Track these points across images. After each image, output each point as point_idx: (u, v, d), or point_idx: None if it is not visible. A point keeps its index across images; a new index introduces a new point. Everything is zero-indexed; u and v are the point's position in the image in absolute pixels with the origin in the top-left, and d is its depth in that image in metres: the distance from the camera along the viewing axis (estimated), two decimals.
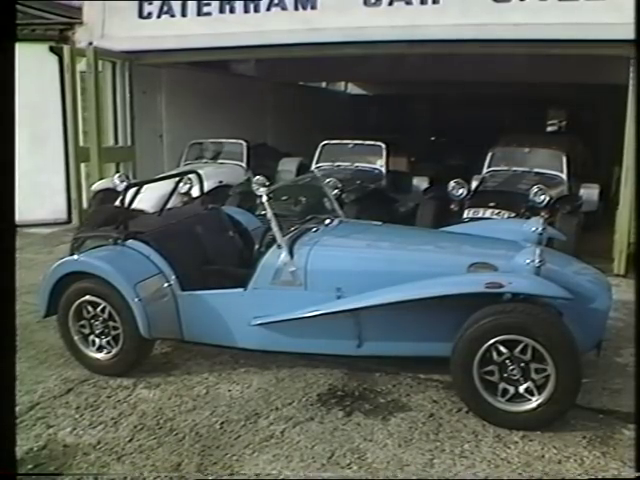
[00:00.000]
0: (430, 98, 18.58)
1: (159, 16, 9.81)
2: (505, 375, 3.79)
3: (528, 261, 4.01)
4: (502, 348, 3.77)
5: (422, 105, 19.16)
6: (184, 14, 9.67)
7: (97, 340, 4.65)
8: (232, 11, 9.40)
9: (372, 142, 9.97)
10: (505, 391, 3.81)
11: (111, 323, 4.57)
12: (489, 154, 9.24)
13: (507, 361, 3.78)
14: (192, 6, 9.60)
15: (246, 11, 9.32)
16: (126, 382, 4.55)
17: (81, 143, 9.90)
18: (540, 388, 3.74)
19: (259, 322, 4.39)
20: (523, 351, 3.74)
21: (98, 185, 9.41)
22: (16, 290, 2.13)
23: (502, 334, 3.75)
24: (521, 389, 3.78)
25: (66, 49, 9.75)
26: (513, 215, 7.41)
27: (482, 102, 16.24)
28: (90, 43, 9.90)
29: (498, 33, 8.02)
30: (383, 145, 9.86)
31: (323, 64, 13.16)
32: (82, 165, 9.94)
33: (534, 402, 3.76)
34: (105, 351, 4.64)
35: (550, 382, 3.69)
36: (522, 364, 3.76)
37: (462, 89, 16.04)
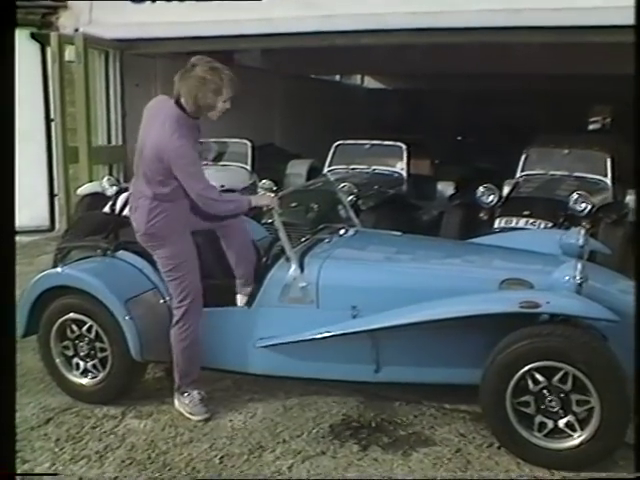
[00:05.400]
0: (457, 93, 18.61)
1: (154, 0, 9.87)
2: (542, 407, 3.75)
3: (568, 277, 3.98)
4: (538, 376, 3.73)
5: (447, 101, 19.19)
6: None
7: (82, 363, 4.64)
8: None
9: (391, 142, 9.96)
10: (542, 425, 3.77)
11: (98, 344, 4.56)
12: (523, 156, 9.20)
13: (544, 391, 3.74)
14: None
15: None
16: (114, 411, 4.53)
17: (68, 142, 9.97)
18: (583, 422, 3.69)
19: (265, 344, 4.38)
20: (563, 380, 3.70)
21: (85, 189, 9.44)
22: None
23: (538, 360, 3.71)
24: (561, 423, 3.74)
25: (53, 36, 9.81)
26: (550, 225, 7.36)
27: (515, 97, 16.26)
28: (76, 29, 9.96)
29: (534, 19, 8.02)
30: (404, 146, 9.85)
31: (337, 55, 13.19)
32: (69, 167, 10.02)
33: (576, 438, 3.71)
34: (91, 375, 4.63)
35: (594, 416, 3.64)
36: (561, 394, 3.71)
37: (493, 82, 16.04)
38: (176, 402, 4.47)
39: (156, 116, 4.19)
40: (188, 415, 4.40)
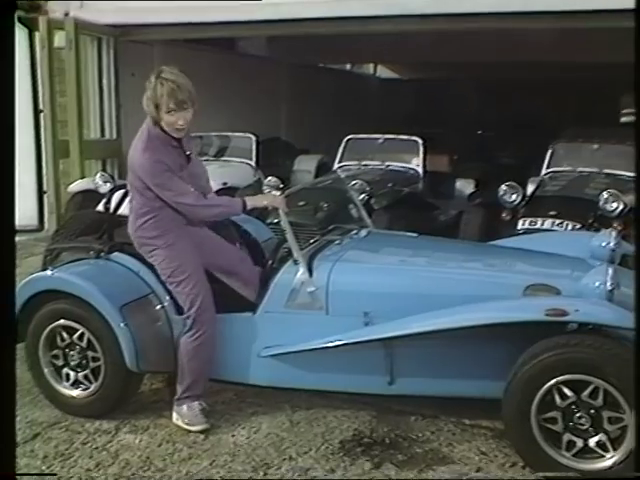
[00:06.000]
0: (476, 83, 18.59)
1: None
2: (571, 424, 3.72)
3: (598, 283, 3.97)
4: (566, 390, 3.70)
5: (466, 91, 19.20)
6: None
7: (72, 374, 4.64)
8: None
9: (406, 137, 9.97)
10: (571, 444, 3.74)
11: (90, 353, 4.55)
12: (549, 151, 9.17)
13: (573, 407, 3.71)
14: None
15: None
16: (106, 425, 4.53)
17: (59, 135, 10.00)
18: (615, 442, 3.65)
19: (271, 353, 4.38)
20: (593, 395, 3.67)
21: (76, 185, 9.47)
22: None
23: (566, 373, 3.69)
24: (591, 442, 3.70)
25: (42, 20, 9.83)
26: (579, 226, 7.34)
27: (540, 87, 16.22)
28: (67, 14, 9.97)
29: (563, 3, 7.97)
30: (420, 140, 9.85)
31: (347, 43, 13.21)
32: (59, 162, 10.05)
33: (608, 459, 3.67)
34: (82, 387, 4.62)
35: (628, 435, 3.61)
36: (592, 411, 3.68)
37: (516, 72, 16.02)
38: (174, 415, 4.47)
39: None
40: (185, 426, 4.40)
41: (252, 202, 4.44)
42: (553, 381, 3.70)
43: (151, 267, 4.50)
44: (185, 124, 4.19)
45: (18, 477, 3.74)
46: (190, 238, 4.39)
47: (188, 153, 4.37)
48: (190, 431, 4.39)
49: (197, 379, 4.40)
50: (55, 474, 3.89)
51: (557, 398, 3.73)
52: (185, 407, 4.41)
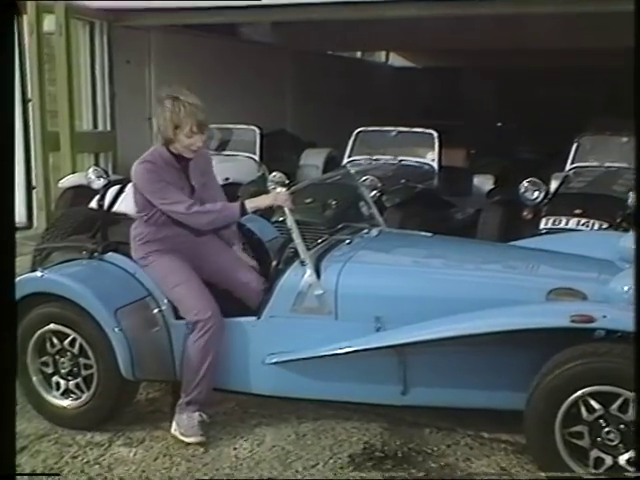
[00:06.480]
0: (496, 72, 18.55)
1: None
2: (598, 439, 3.70)
3: (627, 288, 3.94)
4: (593, 403, 3.69)
5: (485, 81, 19.17)
6: None
7: (63, 382, 4.64)
8: None
9: (421, 129, 9.98)
10: (599, 461, 3.71)
11: (82, 360, 4.55)
12: (574, 145, 9.16)
13: (601, 420, 3.70)
14: None
15: None
16: (99, 437, 4.53)
17: (48, 127, 10.01)
18: None
19: (275, 360, 4.37)
20: (622, 408, 3.65)
21: (67, 181, 9.50)
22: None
23: (593, 384, 3.67)
24: (621, 460, 3.68)
25: (30, 3, 9.84)
26: (606, 226, 7.33)
27: (564, 76, 16.18)
28: None
29: None
30: (435, 133, 9.85)
31: (358, 29, 13.20)
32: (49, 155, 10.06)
33: None
34: (73, 397, 4.63)
35: None
36: (621, 426, 3.66)
37: (538, 59, 16.00)
38: (173, 424, 4.48)
39: None
40: (180, 436, 4.41)
41: (253, 204, 4.44)
42: (579, 392, 3.68)
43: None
44: (201, 146, 4.47)
45: (18, 477, 3.81)
46: (179, 257, 4.53)
47: (193, 183, 4.53)
48: (186, 442, 4.39)
49: (200, 384, 4.38)
50: (58, 474, 3.96)
51: (583, 411, 3.70)
52: (185, 416, 4.42)
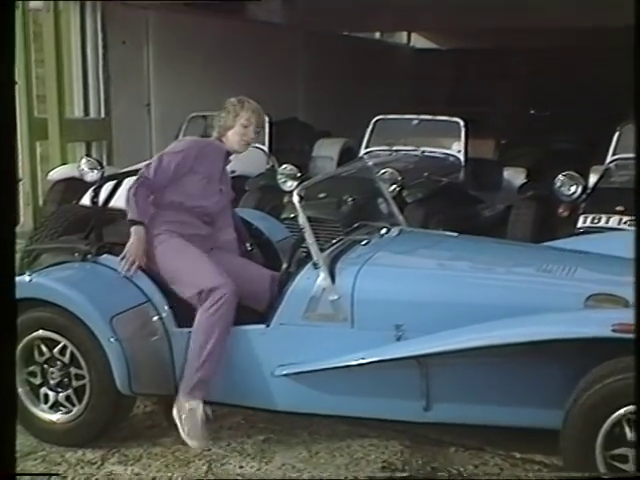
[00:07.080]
0: (528, 54, 18.48)
1: None
2: None
3: None
4: None
5: (517, 64, 19.09)
6: None
7: (52, 394, 4.65)
8: None
9: (445, 118, 9.97)
10: None
11: (74, 370, 4.56)
12: (616, 134, 9.11)
13: None
14: None
15: None
16: (91, 455, 4.54)
17: (35, 113, 10.03)
18: None
19: (286, 372, 4.37)
20: None
21: (57, 173, 9.50)
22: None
23: (638, 402, 3.66)
24: None
25: None
26: None
27: (605, 58, 16.08)
28: None
29: None
30: (461, 122, 9.83)
31: (376, 7, 13.20)
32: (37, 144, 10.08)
33: None
34: (63, 410, 4.64)
35: None
36: None
37: (576, 40, 15.92)
38: (174, 411, 4.45)
39: None
40: (184, 436, 4.41)
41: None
42: (622, 411, 3.65)
43: (146, 271, 4.53)
44: (252, 140, 5.07)
45: (18, 477, 3.82)
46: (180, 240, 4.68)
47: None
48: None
49: (206, 363, 4.37)
50: (58, 474, 4.01)
51: (627, 431, 3.67)
52: (187, 408, 4.39)
